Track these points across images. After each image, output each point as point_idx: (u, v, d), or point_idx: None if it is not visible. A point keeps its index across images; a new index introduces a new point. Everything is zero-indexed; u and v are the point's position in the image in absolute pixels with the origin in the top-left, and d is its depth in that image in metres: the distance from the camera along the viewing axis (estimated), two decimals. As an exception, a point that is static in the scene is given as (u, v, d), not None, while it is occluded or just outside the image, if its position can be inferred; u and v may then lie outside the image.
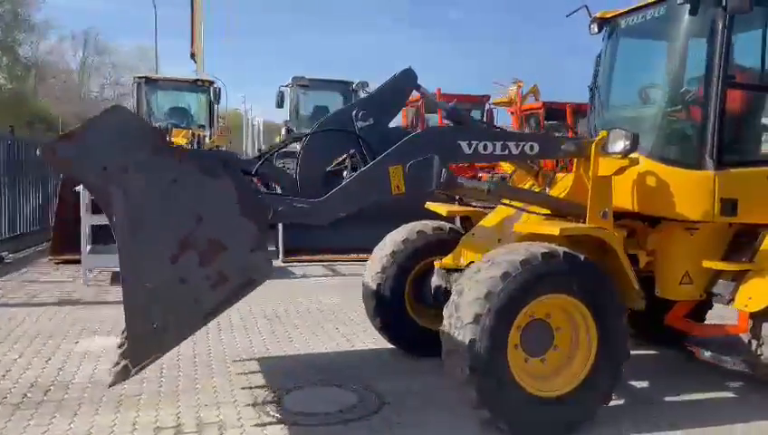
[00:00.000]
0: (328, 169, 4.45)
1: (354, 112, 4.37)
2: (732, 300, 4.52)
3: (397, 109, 4.67)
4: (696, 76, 4.65)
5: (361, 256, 9.88)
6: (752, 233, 4.63)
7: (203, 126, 15.42)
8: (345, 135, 4.33)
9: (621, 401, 4.50)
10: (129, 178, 3.11)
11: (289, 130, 15.66)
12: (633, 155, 4.28)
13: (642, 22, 4.99)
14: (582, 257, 3.91)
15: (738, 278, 4.54)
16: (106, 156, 3.08)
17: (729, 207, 4.49)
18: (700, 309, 5.37)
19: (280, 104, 16.27)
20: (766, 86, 4.68)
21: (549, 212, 4.55)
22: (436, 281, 5.14)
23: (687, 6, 4.52)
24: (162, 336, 3.19)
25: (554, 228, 4.03)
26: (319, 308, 7.22)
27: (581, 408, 3.94)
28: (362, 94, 15.84)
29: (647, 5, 4.92)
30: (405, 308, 5.32)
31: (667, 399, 4.64)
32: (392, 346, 5.52)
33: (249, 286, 3.41)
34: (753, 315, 4.41)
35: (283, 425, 4.00)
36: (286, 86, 16.21)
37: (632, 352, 4.14)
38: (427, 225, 5.47)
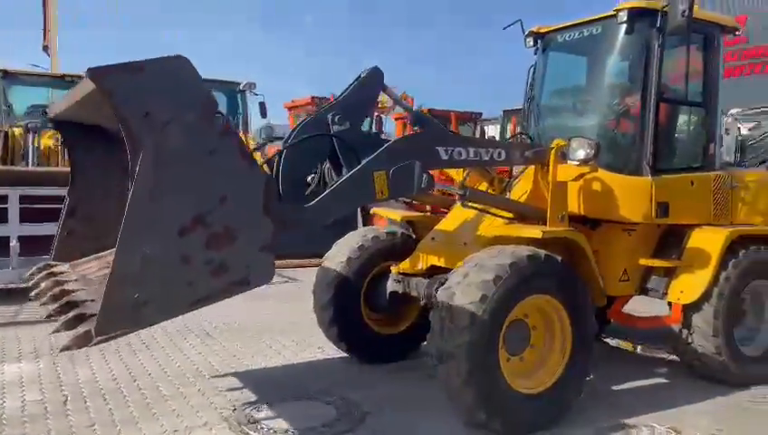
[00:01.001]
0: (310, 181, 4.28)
1: (330, 117, 4.26)
2: (665, 294, 4.99)
3: (368, 110, 4.62)
4: (633, 90, 5.08)
5: (290, 261, 9.63)
6: (678, 233, 5.14)
7: None
8: (324, 140, 4.21)
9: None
10: (167, 133, 2.81)
11: None
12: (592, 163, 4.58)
13: (579, 38, 5.35)
14: (559, 259, 4.12)
15: (669, 274, 5.02)
16: (153, 102, 2.78)
17: (663, 209, 4.96)
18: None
19: None
20: (689, 101, 5.21)
21: (512, 216, 4.73)
22: (392, 286, 5.14)
23: (625, 26, 4.95)
24: (140, 310, 2.82)
25: (536, 231, 4.21)
26: (249, 319, 6.92)
27: (561, 401, 4.15)
28: (250, 96, 15.37)
29: (584, 23, 5.29)
30: (362, 316, 5.26)
31: (615, 387, 5.01)
32: (343, 355, 5.44)
33: (244, 286, 3.16)
34: (685, 307, 4.91)
35: None
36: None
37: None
38: (379, 230, 5.45)
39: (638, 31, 4.97)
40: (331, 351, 5.57)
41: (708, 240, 4.96)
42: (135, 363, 5.31)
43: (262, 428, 4.03)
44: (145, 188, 2.80)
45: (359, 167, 3.92)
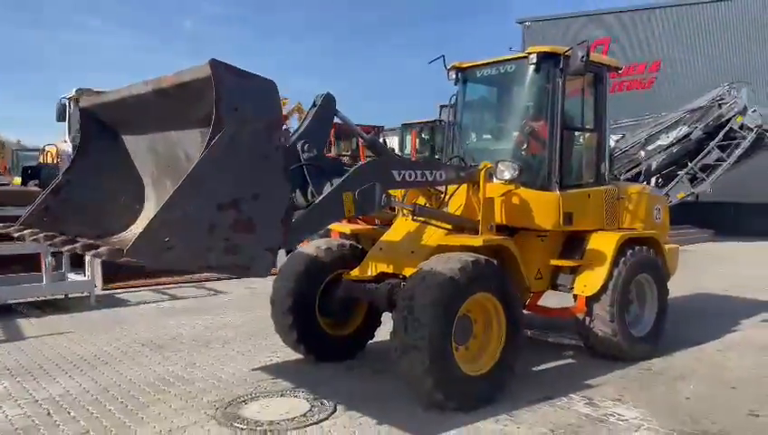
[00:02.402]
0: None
1: (299, 146, 4.79)
2: (571, 288, 6.02)
3: (327, 135, 5.20)
4: (541, 119, 6.08)
5: (190, 277, 9.83)
6: (579, 237, 6.19)
7: None
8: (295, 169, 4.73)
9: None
10: (243, 129, 3.47)
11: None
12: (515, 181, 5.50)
13: (496, 73, 6.30)
14: (495, 262, 4.97)
15: (574, 272, 6.05)
16: (244, 103, 3.47)
17: (568, 218, 5.98)
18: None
19: (62, 117, 14.92)
20: (585, 128, 6.30)
21: (450, 227, 5.53)
22: (343, 292, 5.78)
23: (534, 66, 5.94)
24: (164, 251, 3.31)
25: (478, 240, 5.04)
26: (193, 331, 7.26)
27: (501, 379, 4.99)
28: None
29: (500, 61, 6.24)
30: (316, 320, 5.83)
31: (536, 369, 5.94)
32: (298, 357, 5.97)
33: (244, 271, 3.75)
34: (587, 299, 5.95)
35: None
36: (69, 99, 14.92)
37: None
38: (331, 242, 6.06)
39: (544, 70, 5.97)
40: (283, 354, 6.11)
41: (604, 243, 6.04)
42: (102, 378, 5.56)
43: (249, 421, 4.53)
44: (211, 160, 3.41)
45: (333, 189, 4.52)
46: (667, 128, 19.12)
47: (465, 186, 5.65)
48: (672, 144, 18.82)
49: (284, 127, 18.80)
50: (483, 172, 5.48)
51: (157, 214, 3.30)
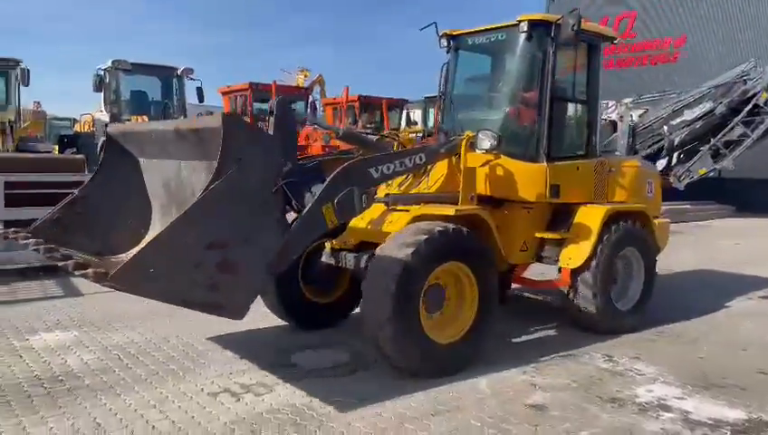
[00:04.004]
0: None
1: None
2: (557, 260, 5.98)
3: (295, 140, 5.17)
4: (531, 89, 5.98)
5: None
6: (566, 210, 6.13)
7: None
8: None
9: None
10: (244, 177, 3.71)
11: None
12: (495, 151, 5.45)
13: (486, 41, 6.20)
14: (466, 231, 4.93)
15: (560, 244, 6.00)
16: (247, 155, 3.74)
17: (555, 191, 5.92)
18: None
19: (98, 88, 15.14)
20: (576, 99, 6.19)
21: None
22: (325, 259, 5.83)
23: (525, 34, 5.82)
24: (147, 281, 3.43)
25: (450, 210, 5.03)
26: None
27: (471, 349, 5.02)
28: (187, 81, 15.41)
29: (491, 29, 6.14)
30: (300, 288, 5.90)
31: (556, 328, 6.04)
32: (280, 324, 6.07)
33: (217, 310, 3.84)
34: (572, 271, 5.91)
35: (308, 380, 4.72)
36: (105, 69, 15.09)
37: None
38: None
39: (535, 39, 5.86)
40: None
41: (590, 216, 5.97)
42: (160, 330, 5.92)
43: (302, 367, 5.00)
44: (207, 203, 3.60)
45: (311, 205, 4.49)
46: (691, 103, 18.66)
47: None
48: (696, 119, 18.38)
49: (310, 99, 18.95)
50: (464, 142, 5.45)
51: (147, 245, 3.47)
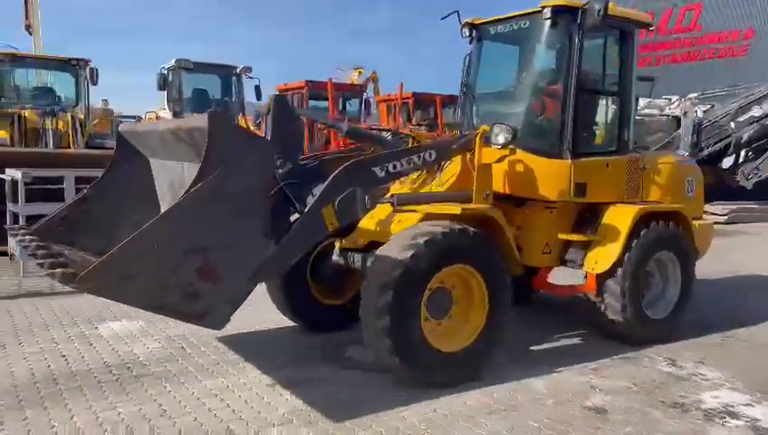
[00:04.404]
0: None
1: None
2: (582, 265, 5.56)
3: (295, 138, 4.98)
4: (555, 80, 5.58)
5: None
6: (594, 210, 5.69)
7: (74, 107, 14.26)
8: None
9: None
10: (230, 181, 3.47)
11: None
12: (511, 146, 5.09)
13: (509, 30, 5.83)
14: (472, 232, 4.60)
15: (586, 247, 5.58)
16: (233, 159, 3.48)
17: (580, 189, 5.50)
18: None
19: (162, 86, 15.52)
20: (606, 91, 5.74)
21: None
22: (334, 260, 5.61)
23: (549, 21, 5.43)
24: (119, 283, 3.28)
25: (456, 208, 4.71)
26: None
27: (478, 360, 4.68)
28: (245, 79, 15.66)
29: (514, 17, 5.76)
30: (309, 289, 5.70)
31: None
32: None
33: (196, 319, 3.65)
34: (598, 276, 5.48)
35: (362, 373, 4.74)
36: (169, 68, 15.47)
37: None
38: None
39: (560, 26, 5.45)
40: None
41: (619, 216, 5.52)
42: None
43: (356, 361, 5.02)
44: (189, 204, 3.39)
45: (310, 207, 4.31)
46: (760, 99, 17.55)
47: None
48: (765, 116, 17.30)
49: (364, 96, 18.85)
50: (478, 137, 5.12)
51: (121, 246, 3.26)
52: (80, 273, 3.22)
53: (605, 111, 5.90)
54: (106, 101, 23.03)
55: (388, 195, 5.30)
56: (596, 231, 5.58)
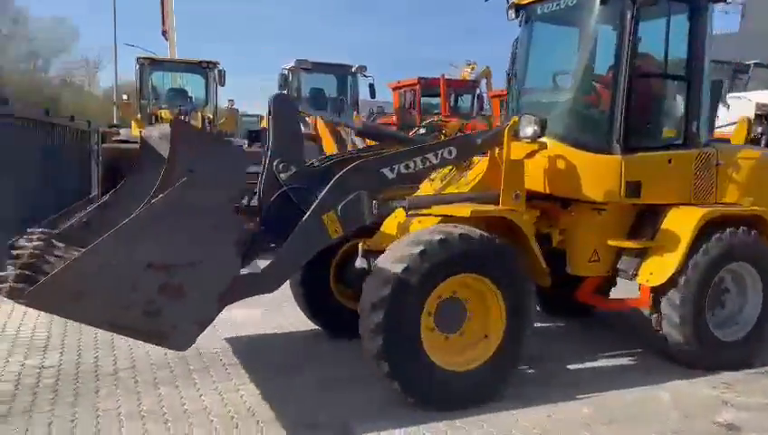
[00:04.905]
0: None
1: (275, 165, 4.31)
2: (635, 275, 4.82)
3: (301, 140, 4.64)
4: (606, 63, 4.87)
5: None
6: (653, 212, 4.93)
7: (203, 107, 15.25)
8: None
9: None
10: (194, 193, 3.19)
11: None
12: (542, 139, 4.48)
13: (557, 9, 5.17)
14: (482, 237, 4.05)
15: (641, 255, 4.83)
16: (201, 169, 3.31)
17: (633, 188, 4.77)
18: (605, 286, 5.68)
19: (282, 86, 15.98)
20: (669, 74, 4.94)
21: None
22: (358, 263, 5.23)
23: (599, -4, 4.74)
24: (73, 301, 3.09)
25: (466, 210, 4.20)
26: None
27: (498, 375, 4.16)
28: (361, 78, 15.86)
29: (561, -6, 5.11)
30: (331, 291, 5.40)
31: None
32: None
33: (159, 340, 3.41)
34: (653, 290, 4.73)
35: None
36: (289, 69, 15.93)
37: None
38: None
39: (611, 2, 4.75)
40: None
41: (682, 221, 4.74)
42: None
43: None
44: (149, 216, 3.18)
45: (308, 214, 4.02)
46: None
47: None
48: None
49: (477, 92, 18.35)
50: (507, 130, 4.56)
51: (70, 263, 3.10)
52: (27, 289, 3.05)
53: (669, 98, 5.09)
54: (232, 101, 24.10)
55: (416, 195, 4.86)
56: (654, 237, 4.83)
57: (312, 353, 5.12)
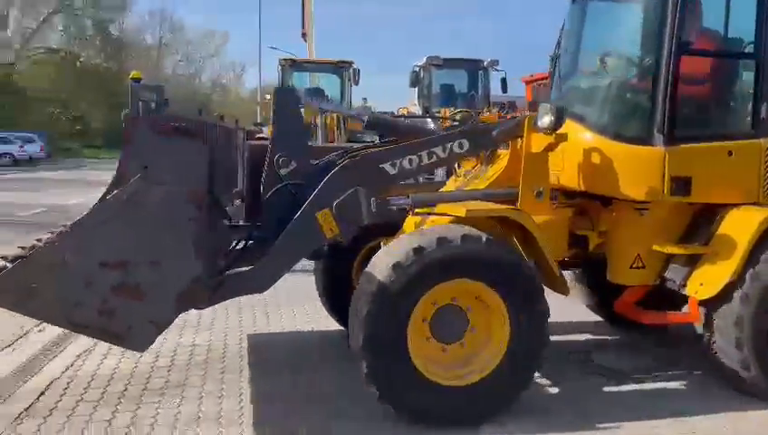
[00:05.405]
0: None
1: (275, 160, 4.11)
2: (683, 286, 4.16)
3: (304, 134, 4.40)
4: (649, 41, 4.23)
5: None
6: (711, 214, 4.24)
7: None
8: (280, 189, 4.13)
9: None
10: (147, 191, 3.12)
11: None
12: (563, 130, 3.98)
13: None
14: (484, 239, 3.62)
15: (692, 263, 4.17)
16: (157, 162, 3.14)
17: (681, 185, 4.11)
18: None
19: (414, 83, 16.13)
20: (732, 53, 4.22)
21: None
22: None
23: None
24: (24, 296, 3.06)
25: (461, 210, 3.80)
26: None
27: (500, 391, 3.73)
28: (492, 73, 15.73)
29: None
30: (352, 287, 5.14)
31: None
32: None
33: (115, 340, 3.32)
34: (702, 303, 4.06)
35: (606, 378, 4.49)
36: (420, 66, 16.01)
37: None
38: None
39: (655, -31, 4.12)
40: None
41: (741, 223, 4.03)
42: None
43: (603, 366, 4.75)
44: (103, 214, 3.13)
45: (300, 212, 3.81)
46: None
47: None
48: None
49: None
50: (527, 120, 4.10)
51: (28, 256, 3.10)
52: None
53: (730, 80, 4.34)
54: (365, 99, 24.77)
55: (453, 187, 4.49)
56: (708, 241, 4.14)
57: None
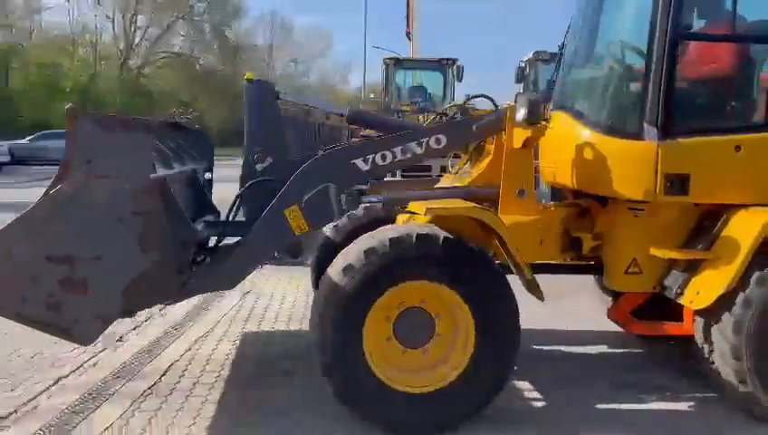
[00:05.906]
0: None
1: (251, 157, 4.07)
2: (681, 294, 3.80)
3: (280, 129, 4.27)
4: (643, 27, 3.89)
5: None
6: (717, 215, 3.86)
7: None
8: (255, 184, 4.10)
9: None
10: (90, 185, 3.13)
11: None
12: (561, 125, 3.74)
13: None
14: (444, 239, 3.43)
15: (692, 269, 3.80)
16: (100, 156, 3.13)
17: (678, 184, 3.77)
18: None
19: (519, 79, 16.00)
20: (738, 36, 3.82)
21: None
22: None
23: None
24: None
25: (421, 208, 3.62)
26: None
27: (466, 400, 3.53)
28: None
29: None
30: None
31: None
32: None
33: (62, 334, 3.30)
34: (698, 313, 3.70)
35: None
36: (527, 61, 15.90)
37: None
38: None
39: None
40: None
41: (744, 227, 3.64)
42: None
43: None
44: (47, 208, 3.16)
45: (268, 209, 3.75)
46: None
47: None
48: None
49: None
50: (509, 112, 3.88)
51: None
52: None
53: (737, 65, 3.92)
54: (468, 96, 24.88)
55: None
56: (710, 246, 3.77)
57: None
